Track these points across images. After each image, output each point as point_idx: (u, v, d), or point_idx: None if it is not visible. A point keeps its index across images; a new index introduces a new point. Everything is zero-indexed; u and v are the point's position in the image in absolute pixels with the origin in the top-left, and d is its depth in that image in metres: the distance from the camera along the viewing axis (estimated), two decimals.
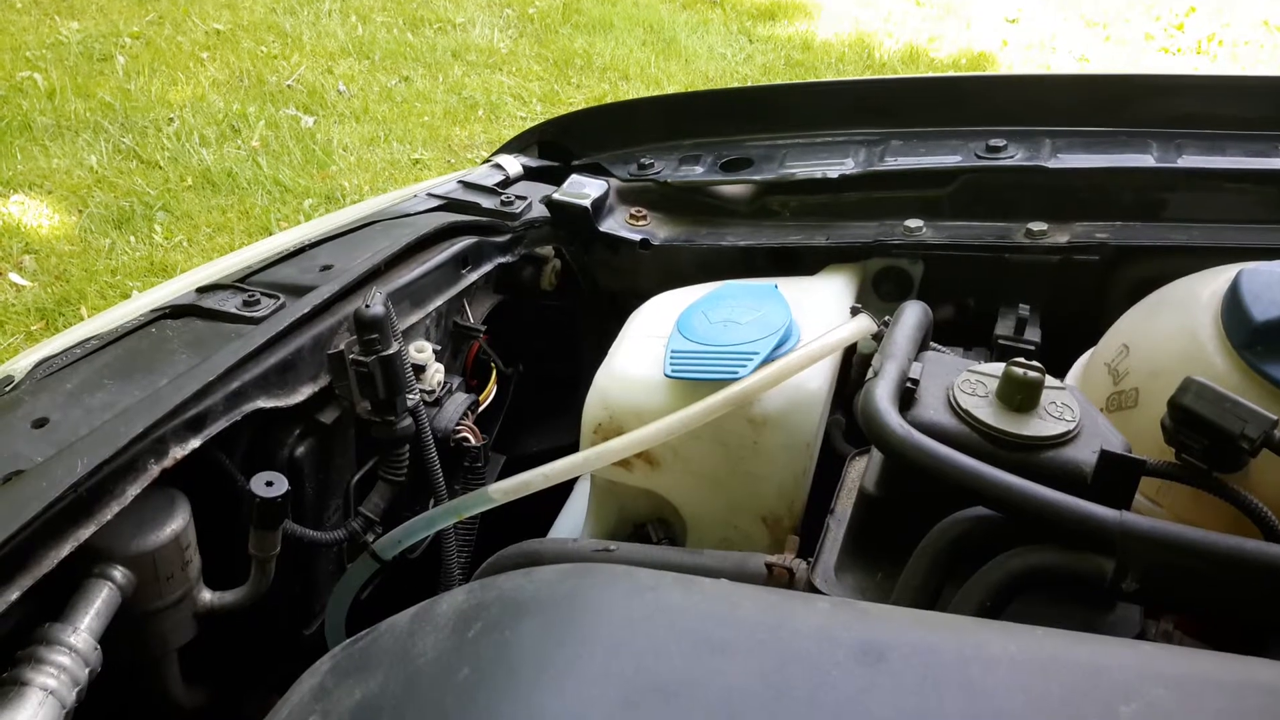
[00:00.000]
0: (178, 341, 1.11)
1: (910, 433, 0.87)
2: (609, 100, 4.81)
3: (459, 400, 1.34)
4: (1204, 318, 1.01)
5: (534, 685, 0.63)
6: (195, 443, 1.01)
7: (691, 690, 0.62)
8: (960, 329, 1.35)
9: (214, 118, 4.44)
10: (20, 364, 1.15)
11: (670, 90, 5.12)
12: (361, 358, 1.16)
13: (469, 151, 4.53)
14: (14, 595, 0.83)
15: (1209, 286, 1.06)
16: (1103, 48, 6.29)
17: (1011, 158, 1.45)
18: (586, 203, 1.50)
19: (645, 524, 1.22)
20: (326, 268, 1.26)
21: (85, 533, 0.90)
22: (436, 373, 1.30)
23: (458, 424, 1.32)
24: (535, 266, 1.54)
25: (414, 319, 1.31)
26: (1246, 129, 1.45)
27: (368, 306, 1.16)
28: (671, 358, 1.14)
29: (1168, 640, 0.89)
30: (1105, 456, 0.84)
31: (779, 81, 5.30)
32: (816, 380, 1.13)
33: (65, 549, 0.88)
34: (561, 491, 1.44)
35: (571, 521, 1.43)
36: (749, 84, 5.29)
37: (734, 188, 1.55)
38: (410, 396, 1.22)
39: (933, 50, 6.02)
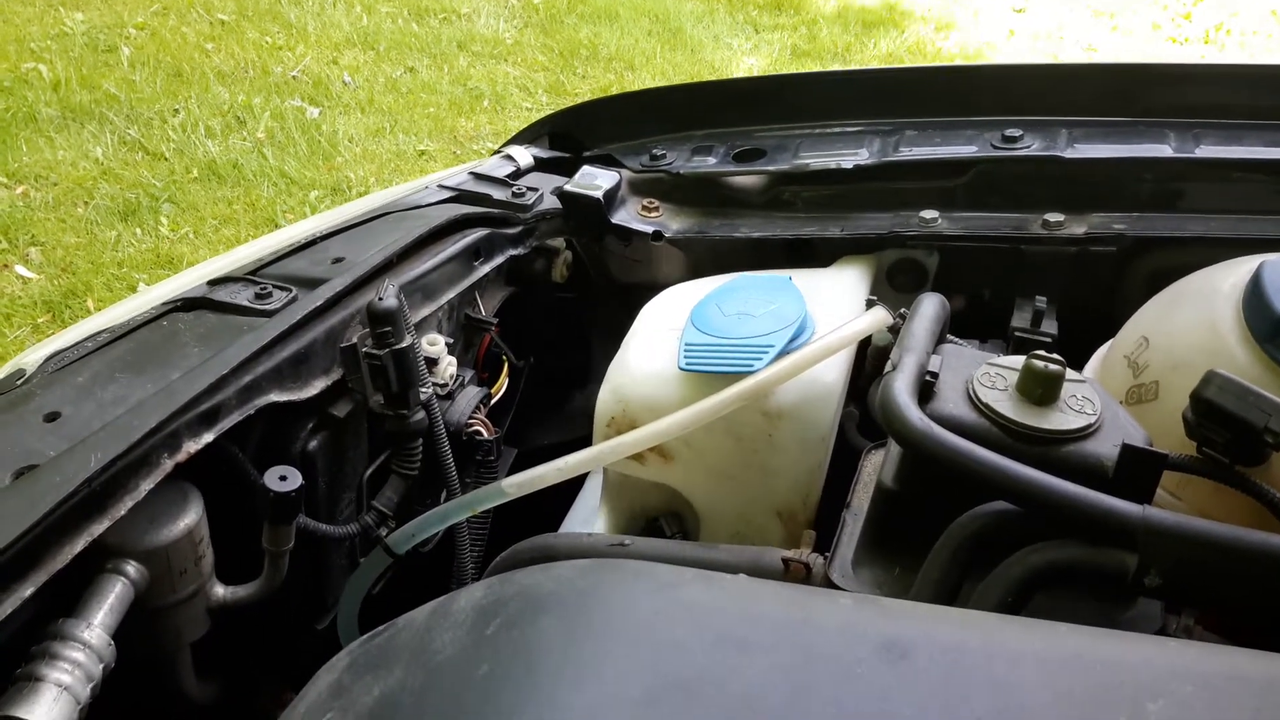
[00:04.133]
0: (190, 335, 1.11)
1: (930, 426, 0.86)
2: (615, 90, 4.81)
3: (471, 393, 1.33)
4: (1225, 310, 1.00)
5: (554, 681, 0.63)
6: (208, 437, 1.00)
7: (714, 687, 0.61)
8: (975, 321, 1.34)
9: (219, 109, 4.43)
10: (31, 357, 1.14)
11: (677, 80, 5.10)
12: (374, 351, 1.15)
13: (474, 143, 4.52)
14: (28, 591, 0.83)
15: (1229, 278, 1.04)
16: (1110, 38, 6.25)
17: (1028, 148, 1.43)
18: (598, 194, 1.48)
19: (658, 518, 1.22)
20: (338, 260, 1.25)
21: (99, 528, 0.90)
22: (449, 366, 1.30)
23: (470, 417, 1.31)
24: (547, 258, 1.53)
25: (426, 311, 1.31)
26: (1264, 118, 1.44)
27: (381, 299, 1.15)
28: (686, 350, 1.13)
29: (1188, 636, 0.88)
30: (1127, 450, 0.83)
31: (785, 72, 5.29)
32: (832, 373, 1.12)
33: (79, 544, 0.88)
34: (574, 485, 1.44)
35: (584, 515, 1.42)
36: (758, 74, 5.27)
37: (747, 179, 1.54)
38: (423, 390, 1.21)
39: (940, 40, 5.99)
